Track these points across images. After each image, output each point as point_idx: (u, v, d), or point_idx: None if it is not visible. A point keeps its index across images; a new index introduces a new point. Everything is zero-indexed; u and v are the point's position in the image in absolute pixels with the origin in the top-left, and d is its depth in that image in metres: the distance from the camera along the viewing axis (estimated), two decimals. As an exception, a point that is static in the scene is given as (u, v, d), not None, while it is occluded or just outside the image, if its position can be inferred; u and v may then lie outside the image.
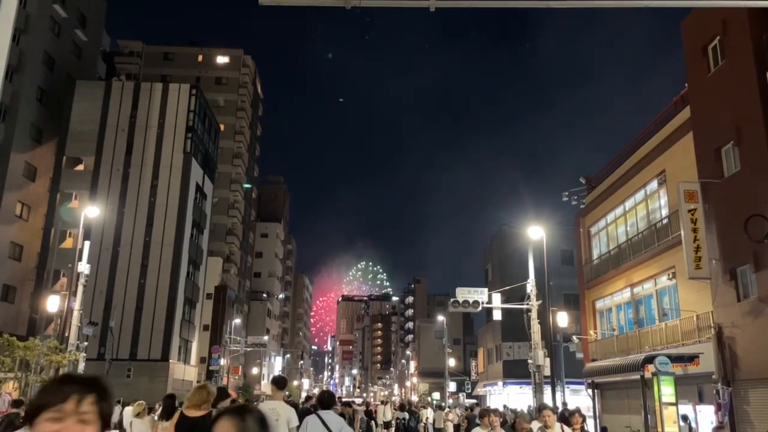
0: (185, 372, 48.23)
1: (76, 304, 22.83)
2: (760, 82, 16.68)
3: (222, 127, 62.71)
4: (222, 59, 71.83)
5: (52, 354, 21.50)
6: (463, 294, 23.67)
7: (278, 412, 7.22)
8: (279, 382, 8.10)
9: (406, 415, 23.72)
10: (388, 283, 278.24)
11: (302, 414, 8.66)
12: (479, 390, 49.90)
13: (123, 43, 70.08)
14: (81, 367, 22.97)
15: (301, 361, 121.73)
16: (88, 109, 46.48)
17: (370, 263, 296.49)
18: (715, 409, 17.29)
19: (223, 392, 8.16)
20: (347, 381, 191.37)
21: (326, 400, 7.64)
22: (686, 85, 21.44)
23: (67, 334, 23.06)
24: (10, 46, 4.01)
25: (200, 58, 71.22)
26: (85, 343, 23.89)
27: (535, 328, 21.93)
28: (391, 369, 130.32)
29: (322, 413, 7.37)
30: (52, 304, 24.72)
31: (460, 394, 54.39)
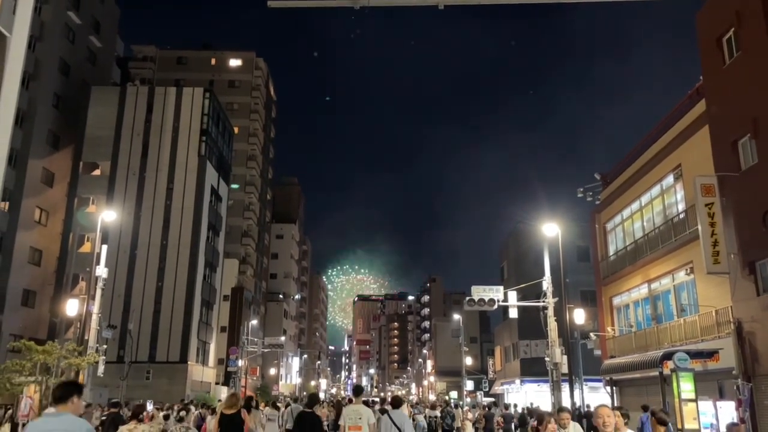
0: (203, 373, 48.57)
1: (95, 308, 23.06)
2: (776, 73, 16.47)
3: (236, 129, 63.09)
4: (235, 62, 72.26)
5: (72, 357, 21.73)
6: (479, 292, 23.60)
7: (360, 412, 9.29)
8: (356, 391, 10.64)
9: (438, 414, 23.59)
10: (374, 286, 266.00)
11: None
12: (497, 388, 49.77)
13: (137, 48, 70.71)
14: (101, 369, 23.21)
15: (318, 362, 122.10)
16: (104, 115, 46.98)
17: (356, 266, 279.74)
18: (736, 405, 17.10)
19: (315, 397, 10.92)
20: (365, 381, 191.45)
21: (396, 402, 9.85)
22: (701, 77, 21.22)
23: (86, 338, 23.29)
24: (12, 129, 4.08)
25: (213, 61, 71.71)
26: (105, 346, 24.10)
27: (552, 325, 21.82)
28: (408, 368, 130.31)
29: (392, 413, 9.36)
30: (72, 307, 24.98)
31: (478, 393, 54.26)
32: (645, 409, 20.20)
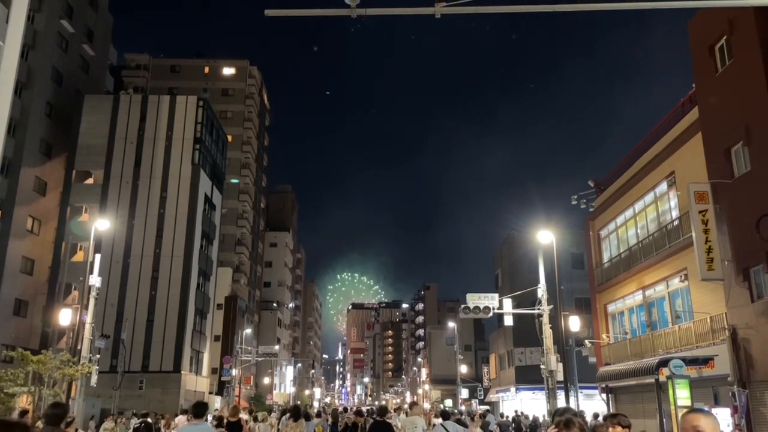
0: (197, 383, 48.25)
1: (88, 317, 22.90)
2: (768, 80, 16.57)
3: (229, 138, 62.95)
4: (228, 70, 72.24)
5: (65, 367, 21.56)
6: (474, 300, 23.59)
7: (415, 422, 11.41)
8: (413, 406, 13.46)
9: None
10: (383, 293, 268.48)
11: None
12: (492, 396, 49.66)
13: (130, 56, 70.64)
14: (94, 379, 23.03)
15: (313, 370, 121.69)
16: (97, 123, 46.80)
17: (356, 274, 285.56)
18: (731, 411, 17.11)
19: (384, 409, 13.18)
20: (359, 389, 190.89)
21: (445, 414, 11.55)
22: (694, 85, 21.36)
23: (79, 347, 23.11)
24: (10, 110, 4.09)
25: (207, 69, 71.67)
26: (98, 356, 23.93)
27: (547, 332, 21.81)
28: (403, 376, 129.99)
29: (445, 423, 10.61)
30: (64, 317, 24.81)
31: (473, 401, 54.12)
32: (596, 416, 20.36)
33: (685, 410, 3.22)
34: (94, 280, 23.29)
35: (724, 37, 18.94)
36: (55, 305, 37.56)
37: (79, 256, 42.68)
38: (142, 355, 43.35)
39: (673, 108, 23.77)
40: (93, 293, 23.13)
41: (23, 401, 21.53)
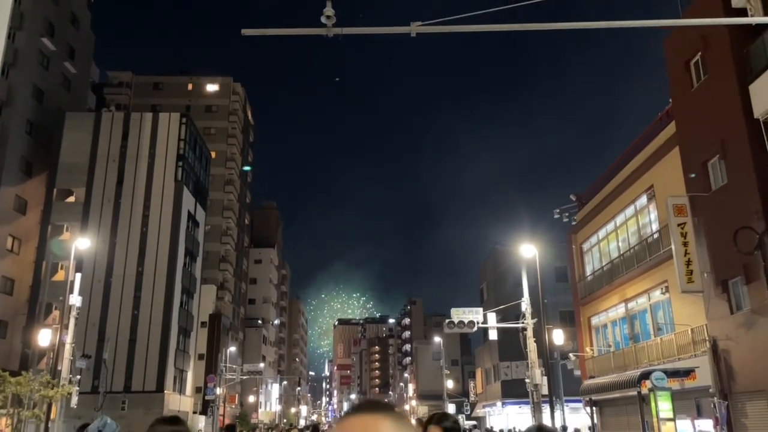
0: (181, 402, 47.66)
1: (69, 338, 22.62)
2: (742, 95, 16.90)
3: (213, 154, 62.80)
4: (212, 87, 72.19)
5: (45, 388, 21.23)
6: (458, 314, 23.59)
7: None
8: (421, 421, 13.59)
9: None
10: (378, 312, 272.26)
11: None
12: (478, 411, 49.54)
13: (112, 74, 70.40)
14: (74, 401, 22.70)
15: (299, 388, 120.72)
16: (79, 141, 46.47)
17: (358, 294, 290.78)
18: (714, 423, 17.23)
19: None
20: (345, 407, 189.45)
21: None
22: (671, 100, 21.71)
23: (60, 368, 22.80)
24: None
25: (190, 86, 71.57)
26: (78, 377, 23.63)
27: (532, 346, 21.88)
28: (390, 392, 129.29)
29: None
30: (44, 338, 24.47)
31: (460, 416, 53.93)
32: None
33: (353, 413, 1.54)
34: (75, 299, 23.05)
35: (699, 54, 19.30)
36: (35, 325, 37.01)
37: (60, 276, 42.15)
38: (125, 374, 42.80)
39: (651, 123, 24.15)
40: (74, 313, 22.88)
41: (2, 424, 21.15)
